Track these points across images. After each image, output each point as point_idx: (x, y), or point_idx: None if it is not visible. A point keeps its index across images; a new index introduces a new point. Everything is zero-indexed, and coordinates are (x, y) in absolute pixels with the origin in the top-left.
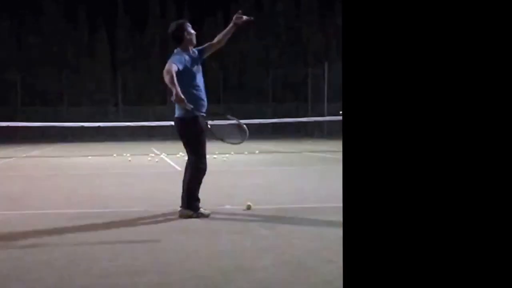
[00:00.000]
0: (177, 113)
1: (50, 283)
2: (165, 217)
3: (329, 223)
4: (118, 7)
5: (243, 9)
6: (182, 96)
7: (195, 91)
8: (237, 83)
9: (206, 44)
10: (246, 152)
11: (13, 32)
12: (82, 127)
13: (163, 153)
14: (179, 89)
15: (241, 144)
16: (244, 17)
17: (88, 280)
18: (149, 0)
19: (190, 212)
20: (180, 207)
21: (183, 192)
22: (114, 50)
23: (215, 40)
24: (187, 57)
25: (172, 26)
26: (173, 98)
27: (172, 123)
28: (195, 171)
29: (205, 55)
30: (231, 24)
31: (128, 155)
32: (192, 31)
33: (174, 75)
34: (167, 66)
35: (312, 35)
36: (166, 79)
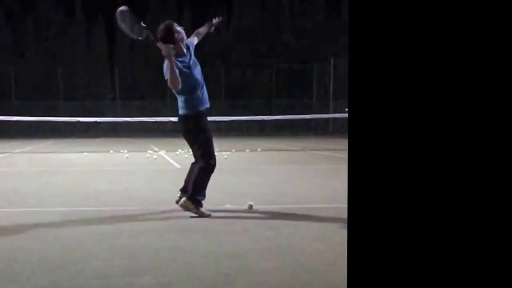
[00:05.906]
0: (180, 111)
1: (43, 284)
2: (163, 216)
3: (333, 224)
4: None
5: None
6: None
7: (194, 92)
8: (240, 79)
9: (193, 36)
10: (247, 150)
11: (8, 25)
12: (78, 122)
13: (162, 150)
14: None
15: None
16: (219, 19)
17: (83, 281)
18: None
19: (191, 206)
20: (179, 196)
21: (187, 183)
22: (112, 44)
23: (199, 32)
24: (180, 59)
25: (161, 30)
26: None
27: (172, 118)
28: (205, 166)
29: (195, 43)
30: (209, 25)
31: (125, 151)
32: (180, 29)
33: (176, 71)
34: (170, 76)
35: (317, 31)
36: (174, 85)
